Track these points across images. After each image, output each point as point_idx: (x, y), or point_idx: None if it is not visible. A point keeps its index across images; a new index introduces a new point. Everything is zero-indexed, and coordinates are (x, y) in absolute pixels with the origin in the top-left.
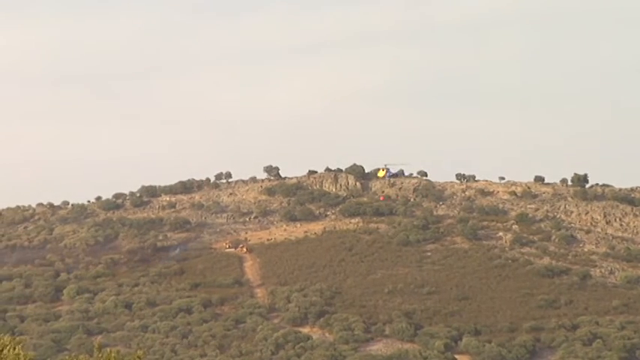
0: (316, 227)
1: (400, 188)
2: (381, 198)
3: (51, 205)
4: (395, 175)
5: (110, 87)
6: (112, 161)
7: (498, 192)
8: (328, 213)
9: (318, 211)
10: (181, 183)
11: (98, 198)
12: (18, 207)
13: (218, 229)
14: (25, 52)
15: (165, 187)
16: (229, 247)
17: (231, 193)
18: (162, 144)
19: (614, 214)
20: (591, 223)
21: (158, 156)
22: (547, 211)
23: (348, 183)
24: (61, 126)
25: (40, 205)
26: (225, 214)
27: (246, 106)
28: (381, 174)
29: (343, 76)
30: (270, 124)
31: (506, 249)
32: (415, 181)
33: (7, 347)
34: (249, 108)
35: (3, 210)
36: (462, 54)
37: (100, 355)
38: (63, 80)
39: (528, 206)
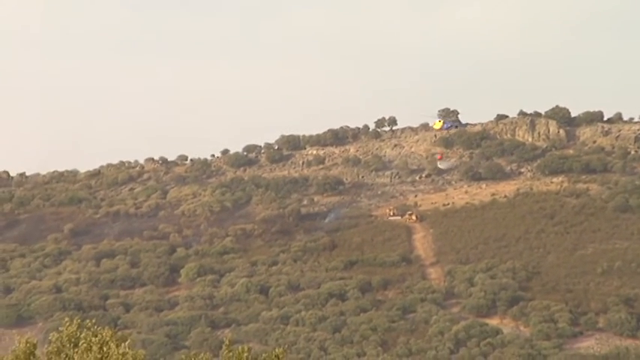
0: (507, 188)
1: (617, 137)
2: (439, 157)
3: (164, 161)
4: (454, 126)
5: (241, 15)
6: (240, 104)
7: None
8: (523, 170)
9: (509, 168)
10: (332, 132)
11: (225, 151)
12: (122, 163)
13: (379, 192)
14: None
15: (311, 137)
16: (394, 215)
17: (396, 145)
18: (307, 82)
19: None
20: None
21: (301, 97)
22: None
23: (548, 131)
24: (172, 60)
25: (149, 160)
26: (388, 172)
27: (415, 32)
28: (437, 125)
29: None
30: (447, 55)
31: None
32: (638, 127)
33: (109, 344)
34: (419, 34)
35: (103, 167)
36: None
37: (229, 354)
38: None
39: None
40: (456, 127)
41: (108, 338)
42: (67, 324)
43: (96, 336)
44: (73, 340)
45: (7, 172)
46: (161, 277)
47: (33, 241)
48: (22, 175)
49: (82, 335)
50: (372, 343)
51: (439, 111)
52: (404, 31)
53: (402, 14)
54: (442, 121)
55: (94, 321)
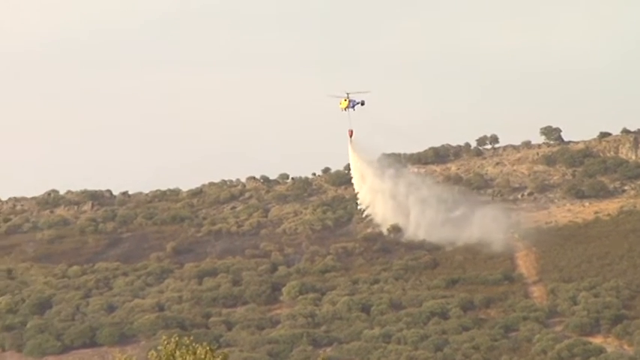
0: (610, 206)
1: None
2: (349, 133)
3: (265, 180)
4: (361, 103)
5: (333, 33)
6: (340, 121)
7: None
8: (626, 188)
9: (612, 186)
10: (433, 150)
11: (326, 170)
12: (223, 182)
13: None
14: None
15: (412, 155)
16: None
17: (497, 163)
18: (407, 99)
19: None
20: None
21: (402, 114)
22: None
23: None
24: (268, 74)
25: (251, 179)
26: (490, 190)
27: (516, 52)
28: (343, 104)
29: None
30: (549, 74)
31: None
32: None
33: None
34: (521, 54)
35: (205, 186)
36: None
37: None
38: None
39: None
40: (363, 104)
41: (204, 356)
42: (166, 342)
43: (194, 353)
44: (171, 358)
45: (109, 191)
46: (263, 295)
47: (135, 260)
48: (124, 193)
49: (178, 353)
50: None
51: (542, 128)
52: (501, 47)
53: (499, 28)
54: (347, 100)
55: (191, 338)
